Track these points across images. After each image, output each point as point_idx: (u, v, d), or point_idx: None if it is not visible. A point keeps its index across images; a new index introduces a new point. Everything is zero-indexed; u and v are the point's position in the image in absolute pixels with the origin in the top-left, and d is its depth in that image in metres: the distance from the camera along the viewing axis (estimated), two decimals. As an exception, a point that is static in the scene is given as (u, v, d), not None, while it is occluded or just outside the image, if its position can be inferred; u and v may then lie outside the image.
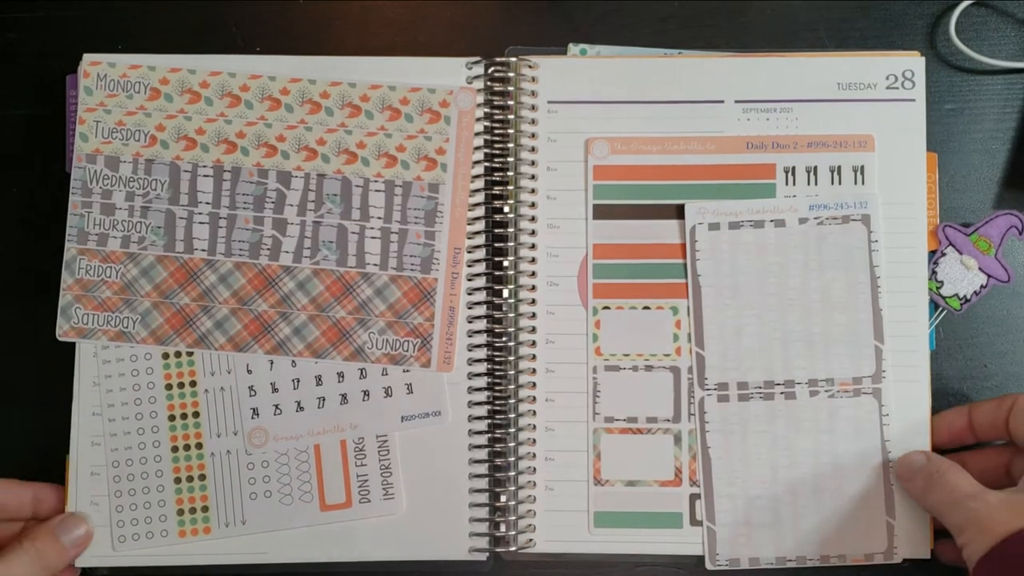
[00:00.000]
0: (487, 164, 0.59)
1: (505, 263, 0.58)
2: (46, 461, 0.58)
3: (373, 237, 0.58)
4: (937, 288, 0.58)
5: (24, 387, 0.60)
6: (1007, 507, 0.49)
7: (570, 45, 0.61)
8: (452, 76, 0.59)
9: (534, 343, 0.58)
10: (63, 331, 0.58)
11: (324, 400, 0.58)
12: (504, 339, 0.58)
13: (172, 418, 0.58)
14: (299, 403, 0.58)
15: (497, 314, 0.58)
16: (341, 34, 0.62)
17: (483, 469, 0.58)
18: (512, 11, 0.62)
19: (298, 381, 0.58)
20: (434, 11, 0.62)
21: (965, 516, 0.50)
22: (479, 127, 0.59)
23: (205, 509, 0.57)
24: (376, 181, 0.59)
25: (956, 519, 0.51)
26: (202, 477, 0.58)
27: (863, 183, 0.58)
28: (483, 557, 0.57)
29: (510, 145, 0.59)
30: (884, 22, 0.61)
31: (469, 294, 0.58)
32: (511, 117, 0.59)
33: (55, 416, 0.58)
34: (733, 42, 0.61)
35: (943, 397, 0.59)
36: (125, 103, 0.58)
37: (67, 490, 0.57)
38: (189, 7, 0.62)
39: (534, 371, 0.58)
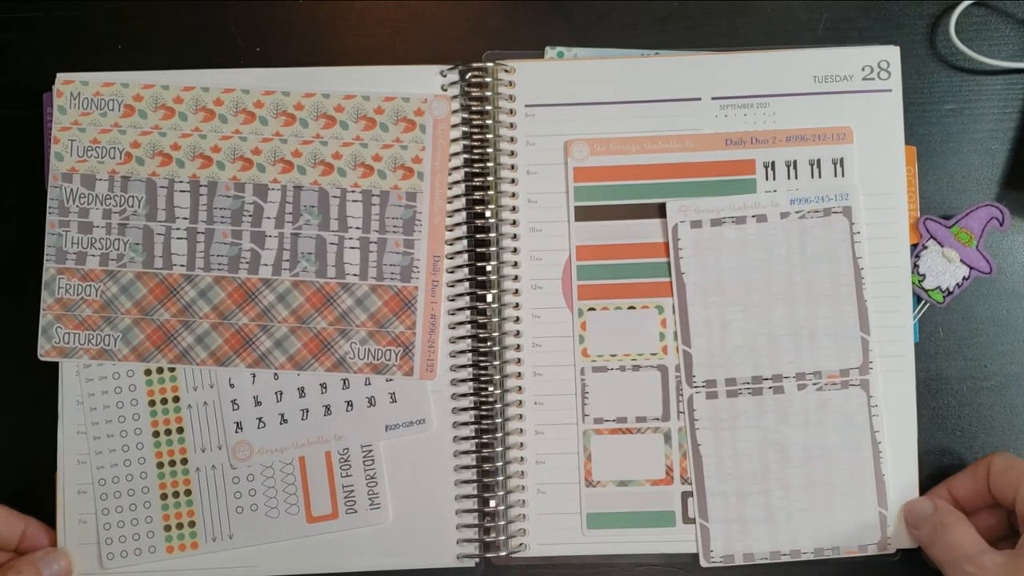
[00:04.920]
0: (467, 170, 0.59)
1: (488, 268, 0.58)
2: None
3: (352, 247, 0.58)
4: (919, 281, 0.58)
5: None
6: (1003, 572, 0.49)
7: (547, 48, 0.60)
8: (427, 84, 0.59)
9: (520, 347, 0.58)
10: (44, 351, 0.58)
11: (307, 412, 0.58)
12: (489, 344, 0.58)
13: (156, 434, 0.58)
14: (282, 415, 0.58)
15: (481, 319, 0.58)
16: (340, 35, 0.61)
17: (470, 475, 0.57)
18: (512, 11, 0.62)
19: (281, 394, 0.58)
20: (435, 12, 0.62)
21: None
22: (457, 133, 0.59)
23: (192, 524, 0.57)
24: (353, 191, 0.58)
25: None
26: (188, 492, 0.58)
27: (843, 175, 0.58)
28: (472, 563, 0.57)
29: (489, 150, 0.59)
30: (884, 22, 0.61)
31: (451, 300, 0.58)
32: (489, 122, 0.59)
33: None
34: (733, 42, 0.60)
35: (943, 398, 0.59)
36: (99, 121, 0.58)
37: (56, 507, 0.57)
38: (189, 7, 0.62)
39: (520, 375, 0.58)
